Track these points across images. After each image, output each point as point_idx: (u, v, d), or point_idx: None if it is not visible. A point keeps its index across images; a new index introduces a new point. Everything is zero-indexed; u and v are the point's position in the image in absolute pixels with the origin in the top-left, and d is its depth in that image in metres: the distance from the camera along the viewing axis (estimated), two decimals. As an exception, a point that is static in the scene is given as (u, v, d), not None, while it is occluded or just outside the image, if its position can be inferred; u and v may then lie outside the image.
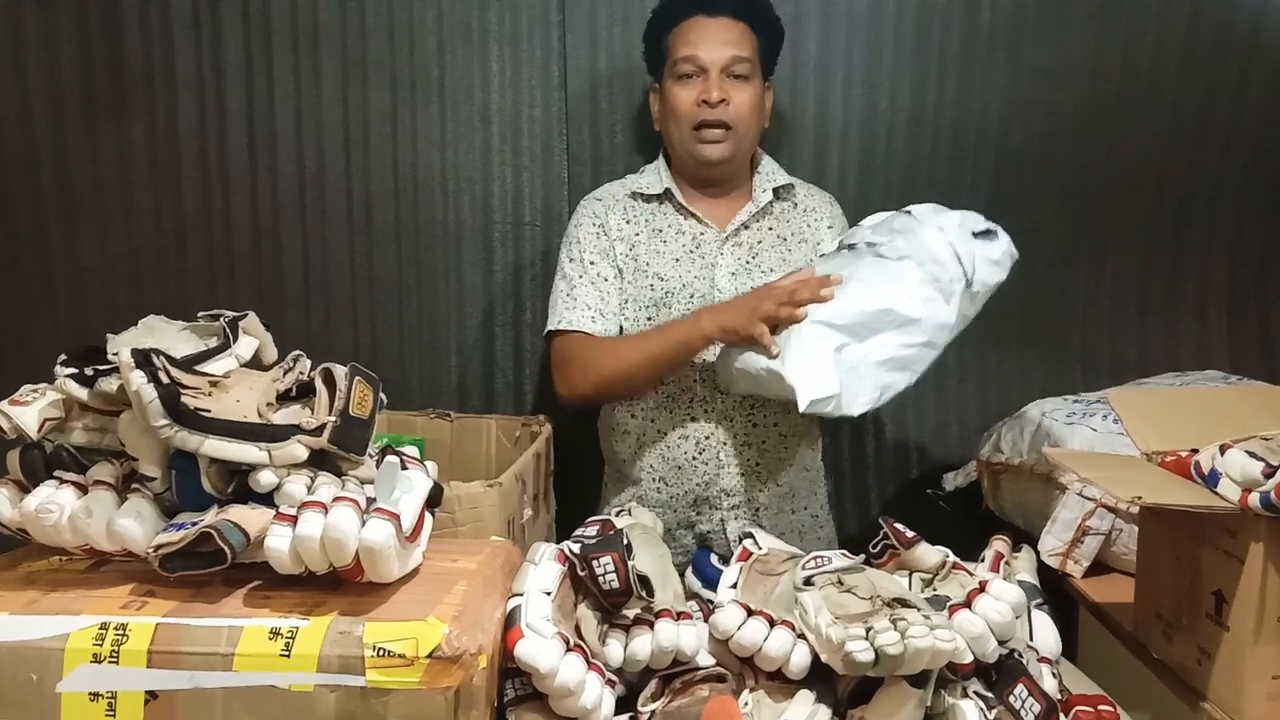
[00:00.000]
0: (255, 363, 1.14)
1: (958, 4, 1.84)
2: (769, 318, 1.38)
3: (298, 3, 1.84)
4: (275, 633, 0.90)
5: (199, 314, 1.19)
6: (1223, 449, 1.12)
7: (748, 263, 1.61)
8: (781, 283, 1.43)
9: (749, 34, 1.59)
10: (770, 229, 1.64)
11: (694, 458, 1.60)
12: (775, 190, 1.65)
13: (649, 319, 1.60)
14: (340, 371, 1.06)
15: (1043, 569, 1.41)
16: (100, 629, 0.90)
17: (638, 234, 1.63)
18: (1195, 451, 1.18)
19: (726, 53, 1.56)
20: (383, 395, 1.10)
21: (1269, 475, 1.04)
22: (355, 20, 1.85)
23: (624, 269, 1.61)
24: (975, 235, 1.42)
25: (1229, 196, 1.94)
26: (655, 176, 1.66)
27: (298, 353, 1.14)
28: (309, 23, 1.85)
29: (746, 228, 1.63)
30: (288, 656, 0.89)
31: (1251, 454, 1.08)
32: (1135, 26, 1.85)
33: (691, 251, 1.62)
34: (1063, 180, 1.91)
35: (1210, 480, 1.12)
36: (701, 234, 1.63)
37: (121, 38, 1.85)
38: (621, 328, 1.61)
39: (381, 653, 0.89)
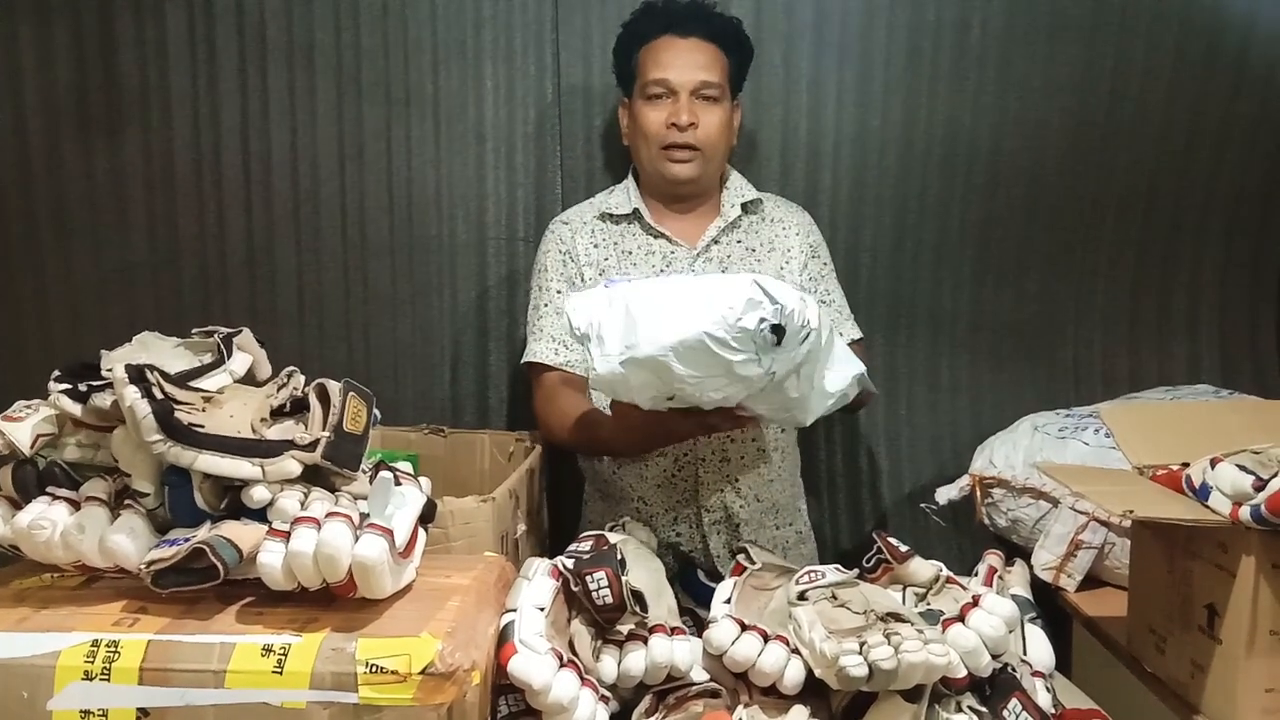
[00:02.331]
0: (249, 379, 1.15)
1: (948, 23, 1.86)
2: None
3: (293, 21, 1.85)
4: (268, 649, 0.90)
5: (193, 330, 1.19)
6: (1213, 463, 1.12)
7: None
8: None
9: (719, 56, 1.59)
10: (739, 242, 1.65)
11: (673, 475, 1.60)
12: (743, 205, 1.66)
13: None
14: (334, 387, 1.06)
15: (1036, 583, 1.42)
16: (92, 646, 0.90)
17: (606, 258, 1.63)
18: (1186, 465, 1.18)
19: (697, 76, 1.56)
20: (376, 411, 1.10)
21: (1259, 488, 1.05)
22: (350, 38, 1.86)
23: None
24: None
25: (1219, 212, 1.95)
26: (624, 196, 1.66)
27: (292, 368, 1.14)
28: (304, 41, 1.86)
29: (716, 243, 1.64)
30: (280, 673, 0.89)
31: (1242, 467, 1.08)
32: (1124, 44, 1.87)
33: (662, 270, 1.62)
34: (1053, 196, 1.93)
35: (1201, 494, 1.13)
36: (672, 253, 1.63)
37: (117, 55, 1.86)
38: None
39: (374, 669, 0.88)
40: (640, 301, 1.19)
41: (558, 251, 1.63)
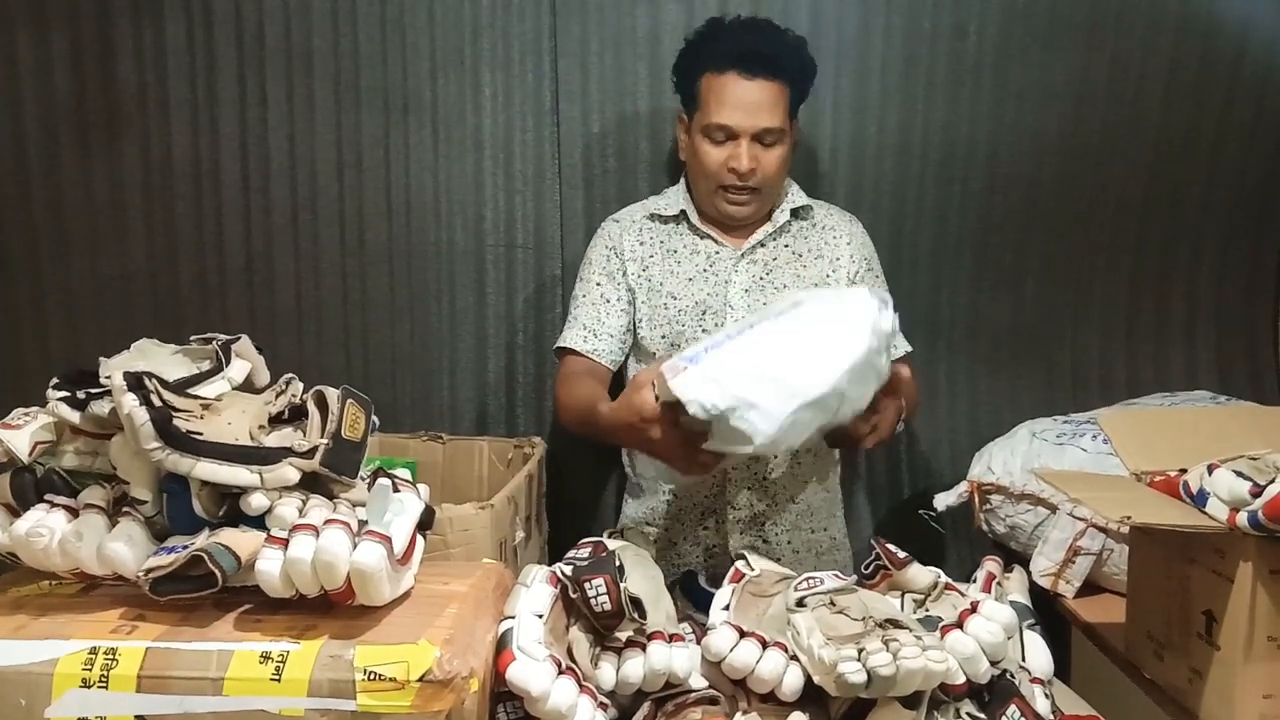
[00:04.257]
0: (247, 386, 1.14)
1: (944, 30, 1.86)
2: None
3: (291, 28, 1.86)
4: (266, 657, 0.90)
5: (191, 337, 1.19)
6: (1210, 469, 1.13)
7: (761, 279, 1.63)
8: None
9: (783, 94, 1.56)
10: (786, 246, 1.65)
11: None
12: (793, 210, 1.66)
13: (663, 336, 1.63)
14: (332, 394, 1.06)
15: (1034, 589, 1.42)
16: (90, 654, 0.90)
17: (651, 255, 1.65)
18: (1184, 471, 1.18)
19: (759, 123, 1.53)
20: (375, 418, 1.10)
21: (1256, 495, 1.05)
22: (349, 45, 1.86)
23: (637, 289, 1.64)
24: None
25: (1215, 217, 1.96)
26: (674, 198, 1.68)
27: (290, 375, 1.14)
28: (302, 48, 1.86)
29: (762, 246, 1.64)
30: (278, 681, 0.88)
31: (1239, 473, 1.08)
32: (1120, 51, 1.88)
33: (705, 270, 1.63)
34: (1050, 202, 1.93)
35: (1199, 500, 1.13)
36: (716, 252, 1.64)
37: (115, 63, 1.86)
38: (640, 345, 1.64)
39: (372, 676, 0.88)
40: (767, 357, 1.22)
41: (604, 247, 1.66)
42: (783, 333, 1.25)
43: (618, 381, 1.64)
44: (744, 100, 1.54)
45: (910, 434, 1.98)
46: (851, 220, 1.71)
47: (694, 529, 1.63)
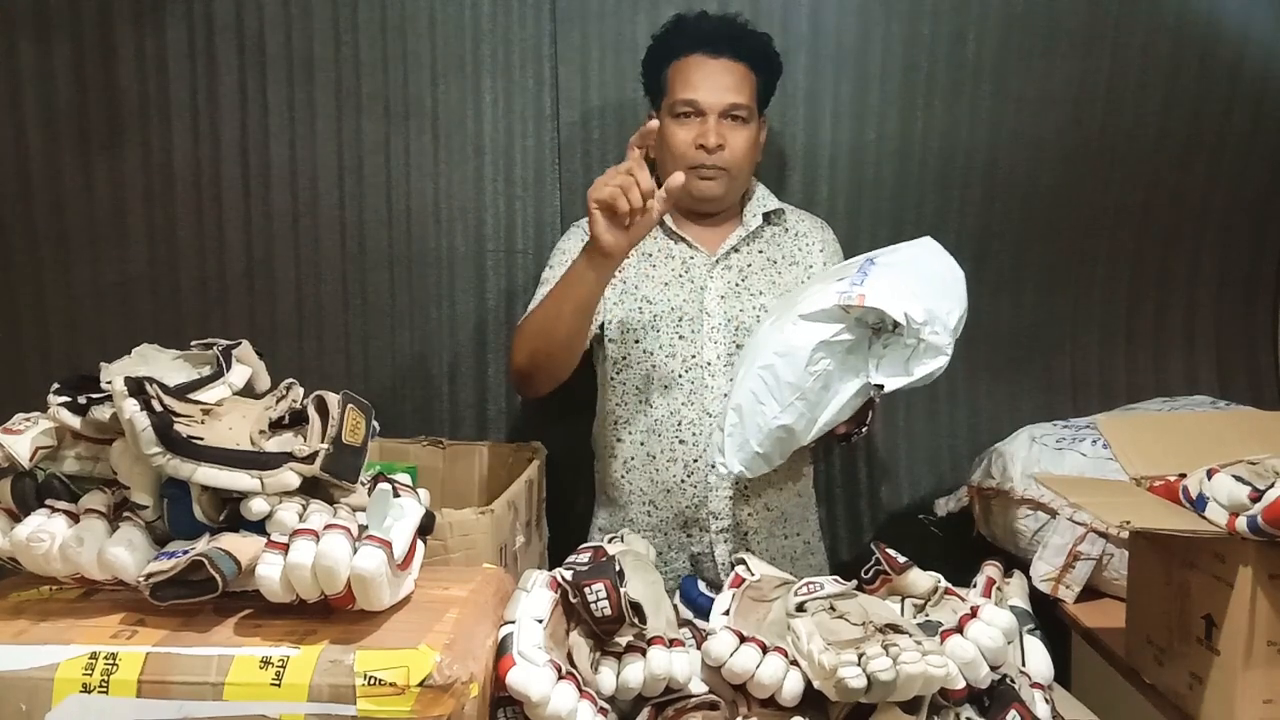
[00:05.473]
0: (248, 391, 1.15)
1: (944, 36, 1.87)
2: (603, 202, 1.35)
3: (292, 34, 1.86)
4: (266, 662, 0.90)
5: (192, 343, 1.19)
6: (1210, 473, 1.13)
7: (737, 285, 1.63)
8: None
9: (748, 76, 1.59)
10: (760, 252, 1.66)
11: (682, 480, 1.61)
12: (765, 215, 1.67)
13: (637, 341, 1.62)
14: (333, 399, 1.07)
15: (1035, 594, 1.42)
16: (90, 658, 0.90)
17: (627, 258, 1.64)
18: (1183, 476, 1.19)
19: (726, 99, 1.56)
20: (375, 423, 1.11)
21: (1256, 499, 1.05)
22: (350, 52, 1.87)
23: (609, 291, 1.62)
24: None
25: (1214, 223, 1.96)
26: None
27: (290, 380, 1.14)
28: (304, 54, 1.86)
29: (736, 251, 1.65)
30: (278, 686, 0.89)
31: (1238, 478, 1.09)
32: (1119, 57, 1.88)
33: (680, 275, 1.63)
34: (1049, 208, 1.93)
35: (1198, 505, 1.13)
36: (691, 258, 1.64)
37: (117, 69, 1.87)
38: (608, 350, 1.63)
39: (373, 681, 0.88)
40: (918, 282, 1.33)
41: (579, 241, 1.64)
42: (909, 265, 1.37)
43: (585, 379, 1.63)
44: (709, 77, 1.56)
45: (910, 438, 1.98)
46: (824, 226, 1.72)
47: (676, 536, 1.63)
